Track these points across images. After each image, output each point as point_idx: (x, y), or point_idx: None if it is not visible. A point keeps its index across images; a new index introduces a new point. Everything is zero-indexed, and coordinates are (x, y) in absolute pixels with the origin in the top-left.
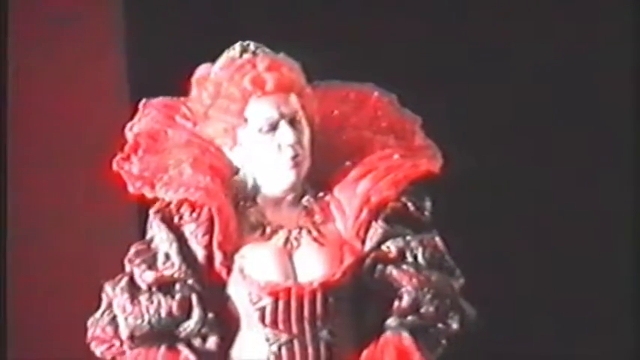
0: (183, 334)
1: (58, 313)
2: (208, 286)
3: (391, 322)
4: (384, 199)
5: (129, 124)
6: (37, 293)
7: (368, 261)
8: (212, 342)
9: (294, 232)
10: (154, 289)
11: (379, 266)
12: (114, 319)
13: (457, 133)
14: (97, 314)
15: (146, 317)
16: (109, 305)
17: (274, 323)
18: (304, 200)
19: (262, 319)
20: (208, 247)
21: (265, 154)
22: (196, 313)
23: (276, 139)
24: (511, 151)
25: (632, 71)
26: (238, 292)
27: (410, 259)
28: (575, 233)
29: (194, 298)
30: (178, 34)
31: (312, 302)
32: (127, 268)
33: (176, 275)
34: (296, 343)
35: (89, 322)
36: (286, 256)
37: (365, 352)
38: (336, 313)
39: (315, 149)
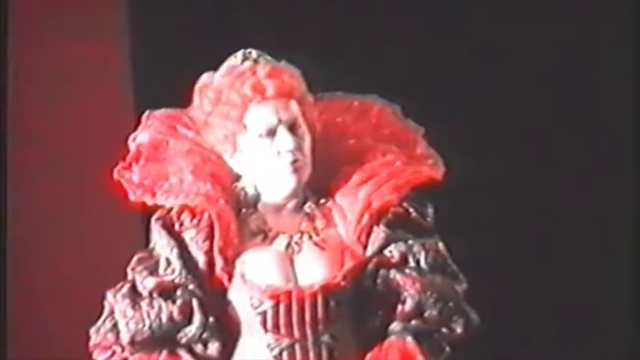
0: (184, 340)
1: (58, 314)
2: (209, 292)
3: (395, 326)
4: (386, 203)
5: (132, 136)
6: (37, 294)
7: (371, 266)
8: (214, 348)
9: (296, 237)
10: (155, 294)
11: (382, 271)
12: (115, 325)
13: (458, 140)
14: (99, 322)
15: (147, 322)
16: (111, 312)
17: (276, 327)
18: (306, 207)
19: (264, 323)
20: (209, 252)
21: (265, 160)
22: (197, 318)
23: (275, 144)
24: (511, 157)
25: (632, 71)
26: (239, 297)
27: (412, 263)
28: (577, 239)
29: (195, 303)
30: (183, 41)
31: (314, 305)
32: (129, 276)
33: (177, 281)
34: (297, 347)
35: (91, 330)
36: (287, 261)
37: (368, 356)
38: (337, 317)
39: (316, 156)
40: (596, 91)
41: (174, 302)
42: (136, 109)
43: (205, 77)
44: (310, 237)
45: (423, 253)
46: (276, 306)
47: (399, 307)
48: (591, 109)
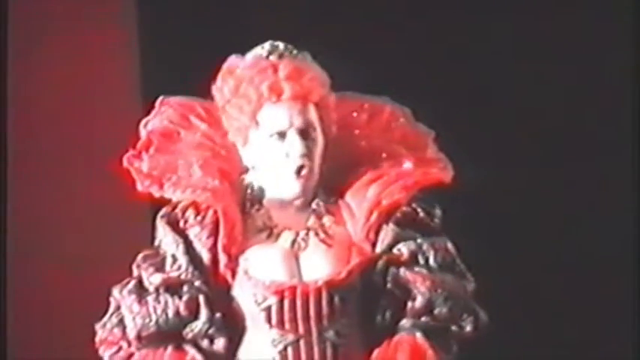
0: (190, 335)
1: (63, 310)
2: (214, 288)
3: (404, 322)
4: (395, 202)
5: (143, 121)
6: (37, 293)
7: (380, 263)
8: (219, 344)
9: (302, 234)
10: (161, 290)
11: (392, 269)
12: (121, 321)
13: (467, 144)
14: (105, 317)
15: (153, 317)
16: (117, 308)
17: (280, 323)
18: (314, 204)
19: (268, 319)
20: (212, 249)
21: (273, 160)
22: (204, 313)
23: (285, 147)
24: (518, 160)
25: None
26: (243, 293)
27: (422, 261)
28: (585, 239)
29: (201, 298)
30: (191, 27)
31: (318, 301)
32: (135, 272)
33: (183, 277)
34: (302, 343)
35: (97, 326)
36: (292, 257)
37: (377, 351)
38: (342, 313)
39: (329, 156)
40: (606, 95)
41: (180, 298)
42: (143, 100)
43: (232, 60)
44: (317, 234)
45: (432, 252)
46: (281, 302)
47: (409, 304)
48: (597, 109)
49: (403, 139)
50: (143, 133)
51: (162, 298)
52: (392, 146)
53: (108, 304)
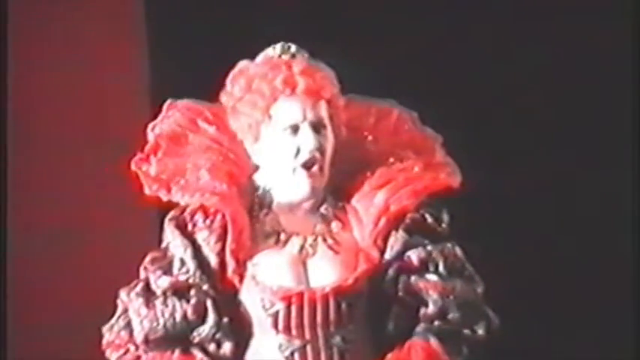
0: (197, 339)
1: (65, 316)
2: (222, 293)
3: (418, 328)
4: (404, 208)
5: (151, 125)
6: (43, 295)
7: (390, 272)
8: (227, 348)
9: (310, 239)
10: (169, 293)
11: (402, 277)
12: (129, 323)
13: (474, 149)
14: (112, 320)
15: (161, 321)
16: (125, 311)
17: (287, 329)
18: (322, 208)
19: (275, 324)
20: (220, 253)
21: (284, 156)
22: (211, 317)
23: (296, 141)
24: (522, 162)
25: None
26: (251, 298)
27: (432, 268)
28: (589, 242)
29: (209, 303)
30: (200, 30)
31: (325, 307)
32: (142, 275)
33: (191, 280)
34: (309, 348)
35: (104, 329)
36: (300, 263)
37: (389, 356)
38: (349, 319)
39: (337, 159)
40: (606, 97)
41: (188, 301)
42: (152, 102)
43: (242, 64)
44: (325, 239)
45: (441, 259)
46: (288, 307)
47: (422, 310)
48: (599, 109)
49: (411, 143)
50: (151, 136)
51: (169, 302)
52: (399, 150)
53: (115, 306)
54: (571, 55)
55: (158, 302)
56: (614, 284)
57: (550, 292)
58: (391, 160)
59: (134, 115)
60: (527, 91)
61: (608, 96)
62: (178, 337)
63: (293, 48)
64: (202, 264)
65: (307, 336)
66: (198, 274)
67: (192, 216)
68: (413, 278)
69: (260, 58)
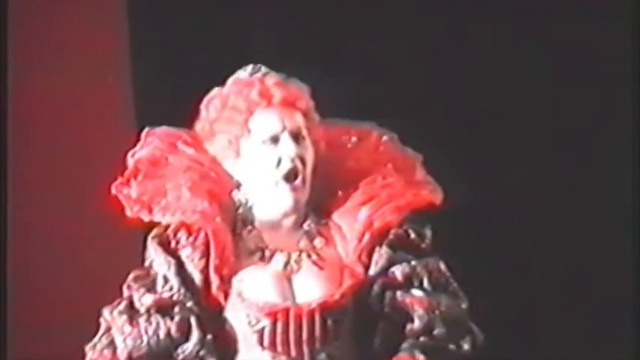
0: (181, 357)
1: (49, 336)
2: (206, 310)
3: (404, 344)
4: (387, 224)
5: (131, 152)
6: (28, 315)
7: (376, 287)
8: None
9: (294, 256)
10: (152, 311)
11: (388, 293)
12: (112, 342)
13: (454, 167)
14: (95, 339)
15: (145, 338)
16: (107, 329)
17: (272, 345)
18: (305, 225)
19: (261, 341)
20: (204, 270)
21: (265, 169)
22: (195, 335)
23: (277, 151)
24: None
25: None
26: (236, 315)
27: (416, 283)
28: (575, 257)
29: (193, 320)
30: (185, 56)
31: (311, 323)
32: (125, 293)
33: (175, 297)
34: None
35: (86, 348)
36: (285, 280)
37: None
38: (335, 335)
39: (318, 176)
40: (606, 97)
41: (172, 319)
42: (138, 125)
43: (213, 91)
44: (309, 255)
45: (426, 274)
46: (274, 324)
47: (408, 326)
48: (591, 127)
49: (391, 161)
50: (130, 162)
51: (153, 319)
52: (381, 167)
53: (98, 325)
54: (571, 55)
55: (142, 320)
56: (605, 296)
57: (532, 308)
58: (373, 177)
59: (120, 136)
60: (514, 105)
61: (608, 96)
62: (162, 354)
63: (263, 69)
64: (186, 281)
65: (293, 353)
66: (182, 290)
67: (176, 233)
68: (399, 293)
69: (230, 81)
